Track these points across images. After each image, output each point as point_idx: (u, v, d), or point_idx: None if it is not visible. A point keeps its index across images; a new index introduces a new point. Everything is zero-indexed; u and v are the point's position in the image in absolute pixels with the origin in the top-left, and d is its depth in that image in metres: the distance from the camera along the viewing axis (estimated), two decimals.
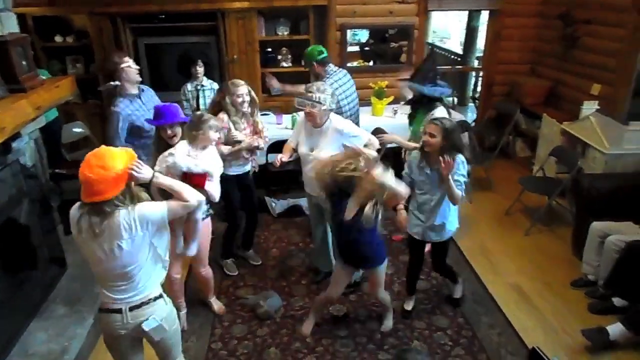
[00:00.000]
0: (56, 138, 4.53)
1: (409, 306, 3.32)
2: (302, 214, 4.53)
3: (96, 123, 5.22)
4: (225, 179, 2.99)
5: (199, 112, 2.85)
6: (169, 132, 2.72)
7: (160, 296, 2.13)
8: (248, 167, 3.55)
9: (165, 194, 2.21)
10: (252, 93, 3.39)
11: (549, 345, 3.00)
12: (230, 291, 3.56)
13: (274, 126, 4.69)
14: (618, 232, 3.32)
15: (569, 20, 5.06)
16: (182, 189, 2.14)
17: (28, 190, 3.11)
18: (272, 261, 3.92)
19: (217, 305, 3.34)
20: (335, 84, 3.79)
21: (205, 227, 2.92)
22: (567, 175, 4.24)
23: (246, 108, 3.36)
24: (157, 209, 2.03)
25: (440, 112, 3.40)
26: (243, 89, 3.31)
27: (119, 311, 2.03)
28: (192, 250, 2.76)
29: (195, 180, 2.60)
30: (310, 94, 3.04)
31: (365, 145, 3.12)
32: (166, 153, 2.66)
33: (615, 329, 2.95)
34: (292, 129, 4.64)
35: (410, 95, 3.66)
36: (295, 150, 3.33)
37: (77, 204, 2.00)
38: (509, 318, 3.24)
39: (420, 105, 3.51)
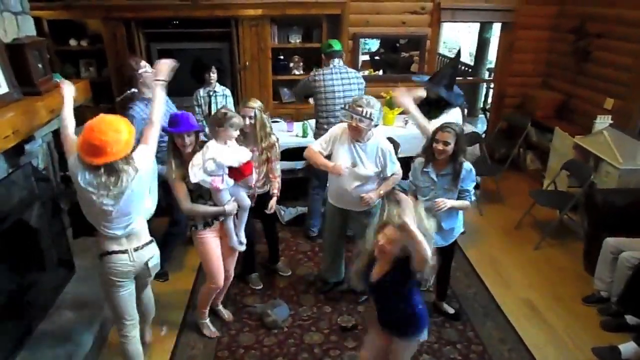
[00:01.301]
0: None
1: None
2: None
3: None
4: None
5: (222, 109, 2.83)
6: (187, 140, 2.70)
7: (153, 240, 2.54)
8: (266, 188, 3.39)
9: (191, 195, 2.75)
10: (264, 117, 3.19)
11: None
12: (238, 299, 3.53)
13: (284, 133, 4.69)
14: (632, 249, 3.28)
15: (582, 33, 5.04)
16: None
17: (39, 192, 3.11)
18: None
19: (225, 313, 3.32)
20: (321, 76, 3.89)
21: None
22: (579, 189, 4.20)
23: (248, 130, 3.15)
24: (149, 157, 2.38)
25: (455, 113, 3.39)
26: (247, 110, 3.12)
27: (125, 252, 2.38)
28: (242, 238, 3.03)
29: (245, 169, 2.79)
30: (359, 108, 2.92)
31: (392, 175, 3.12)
32: (200, 161, 2.67)
33: (628, 347, 2.91)
34: (302, 136, 4.66)
35: (424, 95, 3.62)
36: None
37: (80, 166, 2.20)
38: (520, 333, 3.20)
39: (435, 107, 3.45)
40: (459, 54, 3.75)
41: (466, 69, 8.41)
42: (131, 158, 2.25)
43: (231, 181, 2.76)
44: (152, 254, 2.51)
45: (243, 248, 3.10)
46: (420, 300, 2.27)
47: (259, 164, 3.25)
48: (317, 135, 4.13)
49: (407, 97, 3.32)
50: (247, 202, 2.99)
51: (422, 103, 3.62)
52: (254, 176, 2.94)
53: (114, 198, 2.22)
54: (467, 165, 2.87)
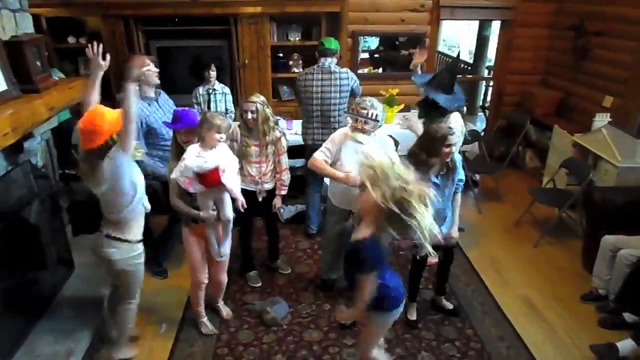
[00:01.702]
0: (67, 139, 4.55)
1: (412, 315, 3.28)
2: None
3: None
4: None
5: (208, 113, 2.78)
6: (184, 137, 2.74)
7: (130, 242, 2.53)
8: (253, 187, 3.37)
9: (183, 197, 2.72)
10: (267, 110, 3.19)
11: (558, 359, 2.97)
12: (237, 297, 3.54)
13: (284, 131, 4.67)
14: (630, 246, 3.29)
15: (581, 31, 5.05)
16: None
17: (38, 190, 3.11)
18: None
19: (225, 310, 3.32)
20: (303, 76, 3.95)
21: None
22: (578, 187, 4.21)
23: (251, 125, 3.20)
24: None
25: (456, 118, 3.39)
26: (249, 105, 3.15)
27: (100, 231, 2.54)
28: (226, 249, 2.98)
29: (210, 177, 2.66)
30: (364, 110, 2.93)
31: None
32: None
33: (626, 344, 2.91)
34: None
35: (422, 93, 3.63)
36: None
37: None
38: (518, 331, 3.20)
39: (435, 109, 3.42)
40: (458, 56, 3.73)
41: (466, 67, 8.40)
42: (107, 149, 2.31)
43: (199, 186, 2.69)
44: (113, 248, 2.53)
45: (222, 259, 3.01)
46: (392, 280, 2.28)
47: (263, 159, 3.29)
48: (304, 135, 4.14)
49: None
50: (229, 216, 2.87)
51: (420, 104, 3.63)
52: (232, 186, 2.76)
53: (93, 185, 2.40)
54: (457, 156, 2.89)
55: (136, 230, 2.56)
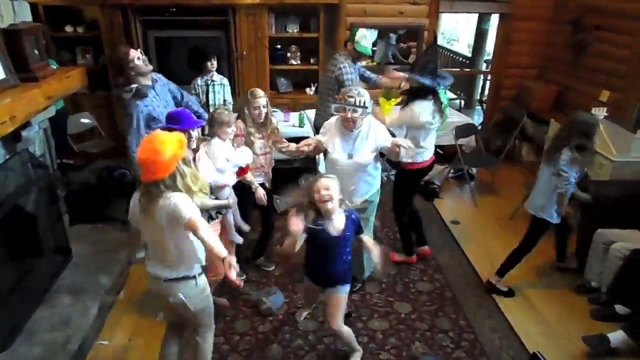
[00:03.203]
0: (64, 128, 4.55)
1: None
2: None
3: (103, 114, 5.25)
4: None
5: (217, 109, 3.02)
6: (193, 135, 2.72)
7: (193, 277, 2.30)
8: (261, 179, 3.43)
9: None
10: (269, 106, 3.34)
11: (550, 350, 3.00)
12: (233, 287, 3.55)
13: (281, 123, 4.67)
14: (622, 240, 3.32)
15: (580, 26, 5.05)
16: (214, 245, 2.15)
17: (36, 179, 3.13)
18: (275, 258, 3.91)
19: (220, 300, 3.34)
20: (347, 68, 4.00)
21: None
22: None
23: (262, 119, 3.29)
24: (187, 216, 2.09)
25: (420, 106, 3.38)
26: (261, 101, 3.24)
27: (157, 277, 2.28)
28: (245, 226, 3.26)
29: (246, 168, 3.08)
30: (351, 99, 2.94)
31: None
32: (209, 160, 2.84)
33: (617, 336, 2.95)
34: (299, 126, 4.67)
35: (407, 86, 3.67)
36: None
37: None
38: (511, 322, 3.24)
39: (416, 97, 3.44)
40: (435, 39, 3.75)
41: (464, 60, 8.39)
42: (170, 186, 2.11)
43: (233, 178, 2.94)
44: (178, 290, 2.28)
45: (241, 240, 3.23)
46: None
47: (268, 150, 3.40)
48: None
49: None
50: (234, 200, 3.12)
51: (404, 93, 3.67)
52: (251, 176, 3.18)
53: (143, 222, 2.21)
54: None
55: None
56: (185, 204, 2.10)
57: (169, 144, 2.07)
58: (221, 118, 2.91)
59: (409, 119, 3.45)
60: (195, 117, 2.77)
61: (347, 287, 2.69)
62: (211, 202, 2.81)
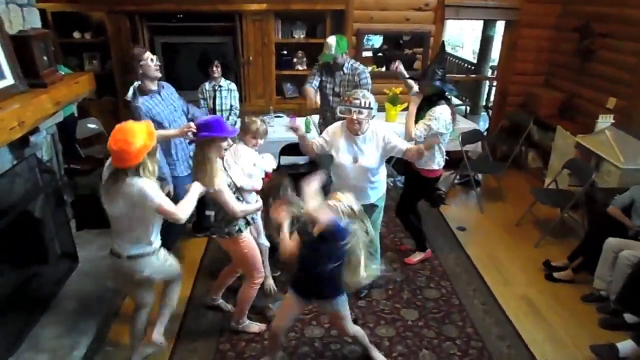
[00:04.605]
0: (71, 134, 4.57)
1: None
2: None
3: (110, 120, 5.25)
4: None
5: (257, 119, 3.01)
6: (225, 145, 2.70)
7: (154, 252, 2.50)
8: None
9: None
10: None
11: (558, 359, 2.98)
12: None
13: (287, 129, 4.69)
14: (632, 248, 3.30)
15: (586, 33, 5.04)
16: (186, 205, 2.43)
17: (43, 184, 3.13)
18: (282, 264, 3.90)
19: (225, 306, 3.34)
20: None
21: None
22: (580, 188, 4.22)
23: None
24: (151, 199, 2.28)
25: (441, 109, 3.40)
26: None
27: (119, 256, 2.44)
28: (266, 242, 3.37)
29: (267, 177, 3.09)
30: (356, 100, 2.94)
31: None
32: (237, 166, 2.82)
33: (626, 345, 2.92)
34: (305, 132, 4.64)
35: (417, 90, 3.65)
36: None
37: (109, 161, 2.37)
38: (519, 330, 3.22)
39: (426, 103, 3.47)
40: (443, 46, 3.74)
41: (469, 66, 8.40)
42: (138, 174, 2.27)
43: (261, 182, 2.96)
44: (142, 266, 2.48)
45: (268, 245, 3.30)
46: None
47: None
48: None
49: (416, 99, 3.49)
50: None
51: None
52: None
53: (108, 201, 2.36)
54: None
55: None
56: (151, 190, 2.28)
57: (140, 135, 2.23)
58: (253, 127, 2.95)
59: (435, 123, 3.40)
60: (229, 126, 2.79)
61: (341, 299, 2.60)
62: (251, 206, 2.85)
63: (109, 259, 2.51)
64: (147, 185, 2.27)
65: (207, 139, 2.57)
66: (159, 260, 2.54)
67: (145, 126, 2.32)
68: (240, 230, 2.81)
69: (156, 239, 2.52)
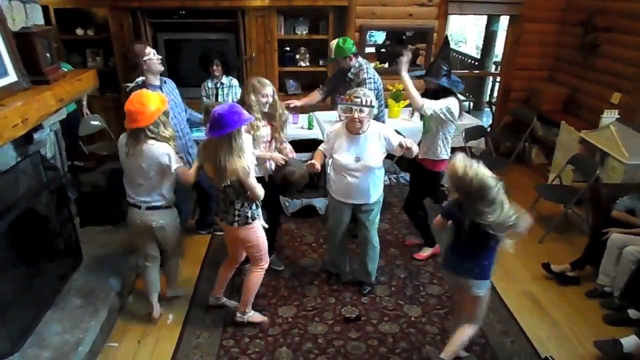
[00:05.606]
0: (74, 130, 4.57)
1: None
2: (315, 214, 4.54)
3: (113, 116, 5.26)
4: None
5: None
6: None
7: (169, 206, 2.97)
8: (260, 173, 3.40)
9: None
10: (276, 95, 3.31)
11: (562, 355, 2.99)
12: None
13: (290, 125, 4.66)
14: (637, 243, 3.28)
15: (590, 27, 5.02)
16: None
17: (47, 181, 3.13)
18: (285, 261, 3.91)
19: (230, 303, 3.34)
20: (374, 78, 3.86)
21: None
22: (584, 184, 4.20)
23: (267, 109, 3.26)
24: (165, 159, 2.77)
25: (452, 102, 3.39)
26: (269, 90, 3.22)
27: (139, 207, 2.91)
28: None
29: None
30: (357, 99, 2.94)
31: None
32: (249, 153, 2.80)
33: (630, 341, 2.91)
34: (308, 128, 4.67)
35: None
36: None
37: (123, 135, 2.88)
38: (523, 326, 3.22)
39: (434, 97, 3.44)
40: (447, 41, 3.72)
41: (473, 62, 8.36)
42: (155, 133, 2.73)
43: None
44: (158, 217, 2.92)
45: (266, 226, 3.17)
46: None
47: (269, 139, 3.37)
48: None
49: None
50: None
51: (422, 96, 3.64)
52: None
53: (128, 159, 2.79)
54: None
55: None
56: (168, 154, 2.77)
57: (153, 100, 2.70)
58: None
59: (444, 105, 3.39)
60: (244, 113, 2.71)
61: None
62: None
63: (129, 210, 2.94)
64: (165, 148, 2.75)
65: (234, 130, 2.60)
66: (174, 214, 3.01)
67: (158, 94, 2.80)
68: (253, 219, 2.88)
69: (169, 194, 2.93)
